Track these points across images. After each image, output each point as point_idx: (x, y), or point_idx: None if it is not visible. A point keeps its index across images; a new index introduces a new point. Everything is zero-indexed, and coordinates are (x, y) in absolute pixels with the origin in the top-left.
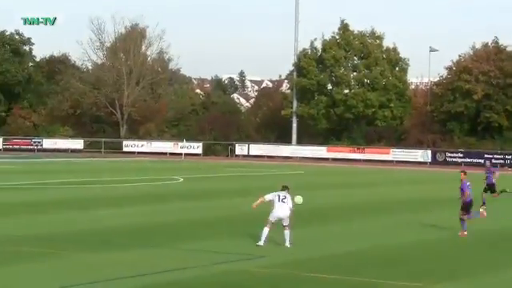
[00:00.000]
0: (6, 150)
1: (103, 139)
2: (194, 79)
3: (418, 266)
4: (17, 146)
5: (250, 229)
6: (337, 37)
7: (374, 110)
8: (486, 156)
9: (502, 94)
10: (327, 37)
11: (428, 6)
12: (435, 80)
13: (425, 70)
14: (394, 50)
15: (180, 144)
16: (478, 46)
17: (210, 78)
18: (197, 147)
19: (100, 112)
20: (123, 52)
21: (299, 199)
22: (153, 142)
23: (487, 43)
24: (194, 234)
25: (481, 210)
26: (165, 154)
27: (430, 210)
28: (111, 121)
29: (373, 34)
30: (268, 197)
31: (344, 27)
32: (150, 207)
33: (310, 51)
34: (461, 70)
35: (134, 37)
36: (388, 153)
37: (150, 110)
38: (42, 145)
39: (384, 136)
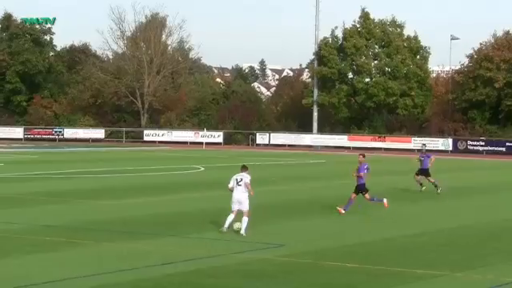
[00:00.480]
0: (27, 139)
1: (124, 129)
2: (215, 68)
3: (438, 254)
4: (38, 136)
5: (269, 218)
6: (357, 25)
7: (395, 98)
8: (507, 144)
9: None
10: (348, 25)
11: None
12: (456, 68)
13: (446, 59)
14: (415, 38)
15: (201, 133)
16: (500, 33)
17: (230, 67)
18: (217, 136)
19: (121, 101)
20: (144, 41)
21: (238, 225)
22: (173, 132)
23: (508, 31)
24: (214, 223)
25: (422, 189)
26: (185, 143)
27: (452, 199)
28: (132, 110)
29: (394, 23)
30: (229, 185)
31: (365, 16)
32: (171, 196)
33: (330, 40)
34: (482, 58)
35: (154, 26)
36: (409, 141)
37: (171, 99)
38: (63, 134)
39: (405, 124)
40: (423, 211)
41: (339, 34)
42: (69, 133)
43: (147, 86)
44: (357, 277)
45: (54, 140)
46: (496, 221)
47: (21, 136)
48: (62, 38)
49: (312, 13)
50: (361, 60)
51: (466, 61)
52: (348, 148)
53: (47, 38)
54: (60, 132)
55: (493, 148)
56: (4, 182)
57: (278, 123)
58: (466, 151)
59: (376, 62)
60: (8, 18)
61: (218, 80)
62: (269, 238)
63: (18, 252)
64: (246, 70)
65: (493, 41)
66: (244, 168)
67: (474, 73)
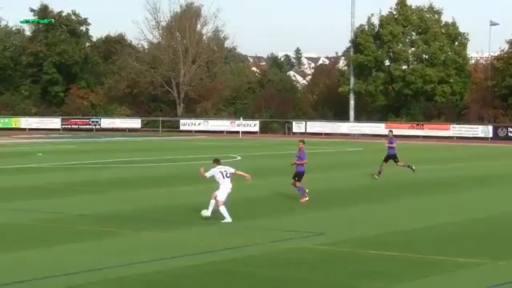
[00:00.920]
0: (64, 129)
1: (160, 118)
2: (250, 57)
3: (479, 243)
4: (75, 126)
5: (307, 207)
6: (394, 12)
7: (433, 85)
8: None
9: None
10: (384, 12)
11: None
12: (496, 54)
13: (485, 45)
14: (453, 24)
15: (237, 122)
16: None
17: (265, 56)
18: (253, 125)
19: (157, 91)
20: (179, 31)
21: (205, 212)
22: (209, 121)
23: None
24: (251, 211)
25: (375, 177)
26: (222, 132)
27: (494, 186)
28: (168, 100)
29: (431, 9)
30: (209, 174)
31: (401, 2)
32: (207, 186)
33: (367, 27)
34: None
35: (189, 16)
36: (448, 129)
37: (207, 88)
38: (99, 124)
39: (444, 112)
40: (464, 199)
41: (375, 21)
42: (106, 123)
43: (183, 75)
44: (397, 265)
45: (91, 130)
46: None
47: (58, 126)
48: (97, 29)
49: (348, 0)
50: (398, 47)
51: (505, 46)
52: (385, 136)
53: (83, 28)
54: (97, 122)
55: None
56: (42, 172)
57: (314, 112)
58: (507, 138)
59: (413, 49)
60: (44, 9)
61: (254, 69)
62: (308, 227)
63: (57, 241)
64: (282, 59)
65: None
66: (217, 161)
67: None
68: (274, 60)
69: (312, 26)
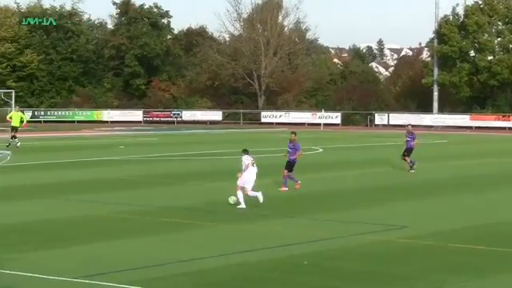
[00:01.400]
0: (146, 122)
1: (241, 110)
2: (332, 49)
3: None
4: (157, 119)
5: (389, 199)
6: (480, 2)
7: None
8: None
9: None
10: (469, 2)
11: None
12: None
13: None
14: None
15: (318, 114)
16: None
17: (347, 48)
18: (335, 117)
19: (238, 83)
20: (260, 23)
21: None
22: (291, 113)
23: None
24: (332, 204)
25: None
26: (303, 124)
27: None
28: (249, 92)
29: None
30: (245, 162)
31: None
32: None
33: (451, 17)
34: None
35: (270, 7)
36: None
37: (288, 80)
38: (181, 117)
39: None
40: None
41: (460, 11)
42: (187, 115)
43: (264, 67)
44: (484, 259)
45: (172, 123)
46: None
47: (140, 119)
48: (179, 22)
49: None
50: (483, 37)
51: None
52: (470, 128)
53: (165, 21)
54: (178, 114)
55: None
56: (123, 165)
57: (396, 103)
58: None
59: (499, 39)
60: (127, 2)
61: (336, 60)
62: (390, 220)
63: (140, 233)
64: (364, 50)
65: None
66: (246, 151)
67: None
68: (356, 51)
69: (395, 17)
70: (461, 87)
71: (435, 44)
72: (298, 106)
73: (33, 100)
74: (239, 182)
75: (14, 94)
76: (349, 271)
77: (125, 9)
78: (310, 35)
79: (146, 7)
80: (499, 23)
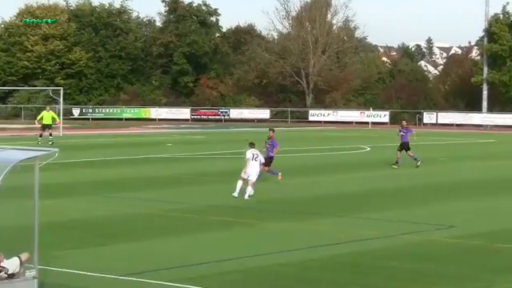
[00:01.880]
0: (193, 120)
1: (289, 108)
2: (381, 47)
3: None
4: (204, 117)
5: (437, 199)
6: None
7: None
8: None
9: None
10: None
11: None
12: None
13: None
14: None
15: (366, 113)
16: None
17: (396, 46)
18: (383, 116)
19: (286, 81)
20: (309, 21)
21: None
22: (339, 111)
23: None
24: (379, 203)
25: (395, 166)
26: (351, 123)
27: None
28: (297, 90)
29: None
30: (247, 156)
31: None
32: (335, 176)
33: (501, 16)
34: None
35: (319, 6)
36: None
37: (336, 78)
38: (228, 115)
39: None
40: None
41: (510, 10)
42: (234, 113)
43: (312, 65)
44: None
45: (219, 121)
46: None
47: (188, 117)
48: (227, 20)
49: None
50: None
51: None
52: None
53: (213, 19)
54: (226, 112)
55: None
56: (171, 162)
57: (445, 102)
58: None
59: None
60: (175, 1)
61: (384, 59)
62: (438, 219)
63: (188, 231)
64: (413, 49)
65: None
66: (252, 145)
67: None
68: (404, 50)
69: (444, 15)
70: (510, 86)
71: (485, 42)
72: (346, 105)
73: (81, 97)
74: (243, 175)
75: (62, 91)
76: (396, 271)
77: (173, 6)
78: (358, 33)
79: (194, 5)
80: None
